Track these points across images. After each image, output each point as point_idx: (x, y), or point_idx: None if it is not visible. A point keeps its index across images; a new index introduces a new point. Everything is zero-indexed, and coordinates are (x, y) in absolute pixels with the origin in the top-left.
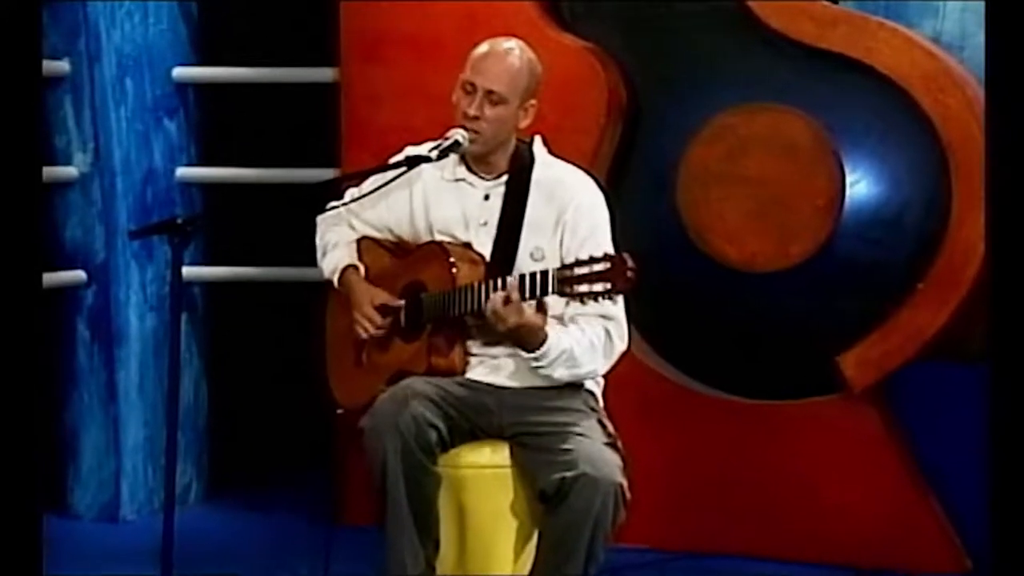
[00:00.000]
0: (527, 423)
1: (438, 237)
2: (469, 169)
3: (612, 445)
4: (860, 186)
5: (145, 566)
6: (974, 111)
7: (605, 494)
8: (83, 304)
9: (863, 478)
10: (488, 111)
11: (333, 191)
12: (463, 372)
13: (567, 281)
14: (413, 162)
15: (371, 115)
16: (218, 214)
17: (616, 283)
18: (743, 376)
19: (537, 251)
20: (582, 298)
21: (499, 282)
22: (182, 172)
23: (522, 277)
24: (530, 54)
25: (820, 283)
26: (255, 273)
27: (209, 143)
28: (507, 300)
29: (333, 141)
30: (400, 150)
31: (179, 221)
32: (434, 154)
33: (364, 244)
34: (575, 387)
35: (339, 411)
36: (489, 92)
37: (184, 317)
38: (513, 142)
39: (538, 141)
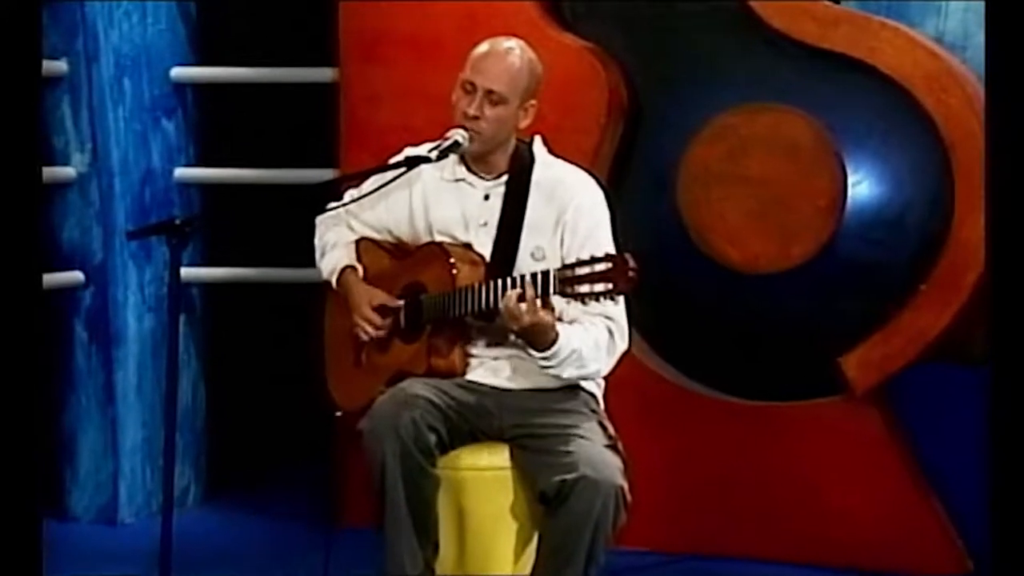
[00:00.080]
0: (527, 425)
1: (438, 238)
2: (469, 169)
3: (613, 447)
4: (862, 187)
5: (143, 569)
6: (976, 111)
7: (606, 496)
8: (81, 305)
9: (865, 480)
10: (488, 111)
11: (332, 192)
12: (463, 373)
13: (568, 281)
14: (412, 163)
15: (370, 115)
16: (216, 215)
17: (617, 283)
18: (744, 377)
19: (538, 251)
20: (583, 298)
21: (499, 283)
22: (180, 172)
23: (523, 277)
24: (531, 54)
25: (821, 284)
26: (254, 274)
27: (207, 143)
28: (521, 298)
29: (332, 141)
30: (399, 150)
31: (177, 222)
32: (434, 155)
33: (363, 245)
34: (576, 389)
35: (338, 413)
36: (489, 92)
37: (182, 318)
38: (513, 142)
39: (538, 141)
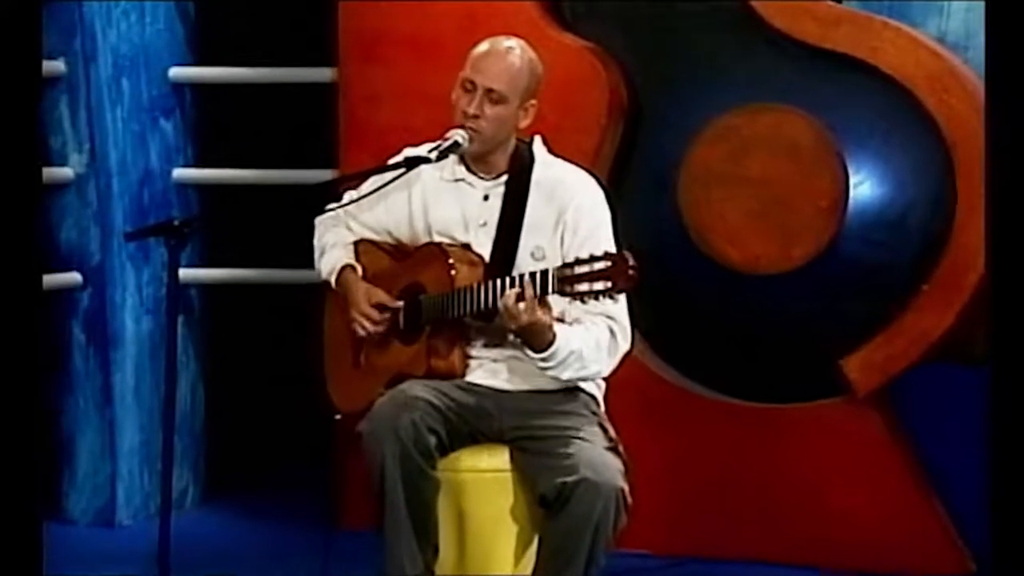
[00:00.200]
0: (527, 427)
1: (437, 238)
2: (468, 169)
3: (613, 449)
4: (864, 187)
5: (141, 571)
6: (979, 111)
7: (606, 499)
8: (78, 307)
9: (867, 482)
10: (488, 110)
11: (331, 192)
12: (463, 375)
13: (568, 280)
14: (412, 163)
15: (370, 115)
16: (215, 215)
17: (617, 282)
18: (745, 379)
19: (538, 251)
20: (583, 297)
21: (498, 283)
22: (179, 173)
23: (521, 276)
24: (531, 53)
25: (823, 285)
26: (252, 275)
27: (206, 144)
28: (520, 297)
29: (331, 142)
30: (399, 151)
31: (176, 223)
32: (433, 155)
33: (362, 246)
34: (576, 391)
35: (337, 416)
36: (489, 91)
37: (181, 320)
38: (513, 142)
39: (538, 141)
